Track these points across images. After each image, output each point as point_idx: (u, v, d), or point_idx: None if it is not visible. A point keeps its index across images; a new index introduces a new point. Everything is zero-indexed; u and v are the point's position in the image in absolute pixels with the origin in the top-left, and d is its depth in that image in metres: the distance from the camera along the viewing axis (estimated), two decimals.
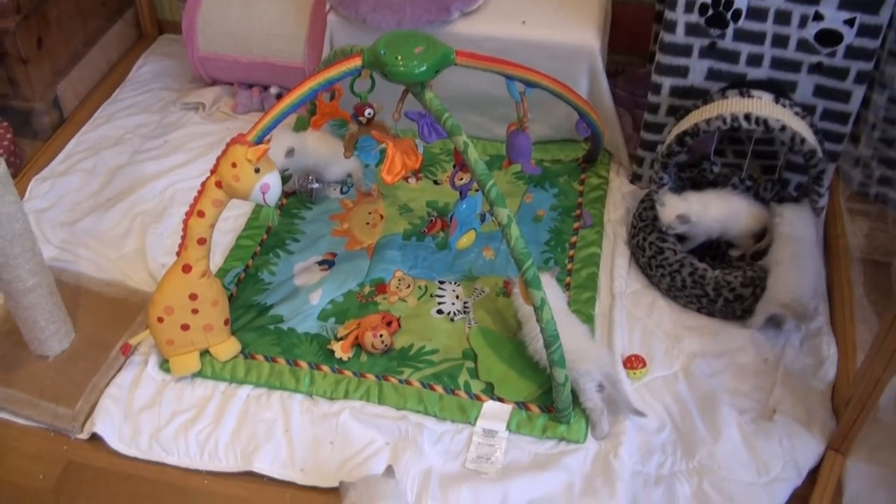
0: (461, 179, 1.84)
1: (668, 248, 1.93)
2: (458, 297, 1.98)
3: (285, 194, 2.24)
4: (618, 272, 2.02)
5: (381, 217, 2.20)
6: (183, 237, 1.71)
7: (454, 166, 1.85)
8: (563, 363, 1.62)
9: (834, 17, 1.84)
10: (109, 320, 1.91)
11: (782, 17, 1.88)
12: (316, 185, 2.23)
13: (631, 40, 2.54)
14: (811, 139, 1.84)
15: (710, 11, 1.91)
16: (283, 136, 2.09)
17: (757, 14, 1.89)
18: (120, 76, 2.78)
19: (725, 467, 1.62)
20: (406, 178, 2.27)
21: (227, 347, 1.82)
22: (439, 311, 1.94)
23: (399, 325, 1.89)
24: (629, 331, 1.90)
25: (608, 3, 2.37)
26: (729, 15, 1.90)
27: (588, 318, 1.89)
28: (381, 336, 1.82)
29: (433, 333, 1.89)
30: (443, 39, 1.79)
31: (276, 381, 1.79)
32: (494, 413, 1.72)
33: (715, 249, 2.04)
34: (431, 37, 1.78)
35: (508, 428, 1.70)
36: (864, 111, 2.05)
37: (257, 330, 1.90)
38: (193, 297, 1.73)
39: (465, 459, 1.65)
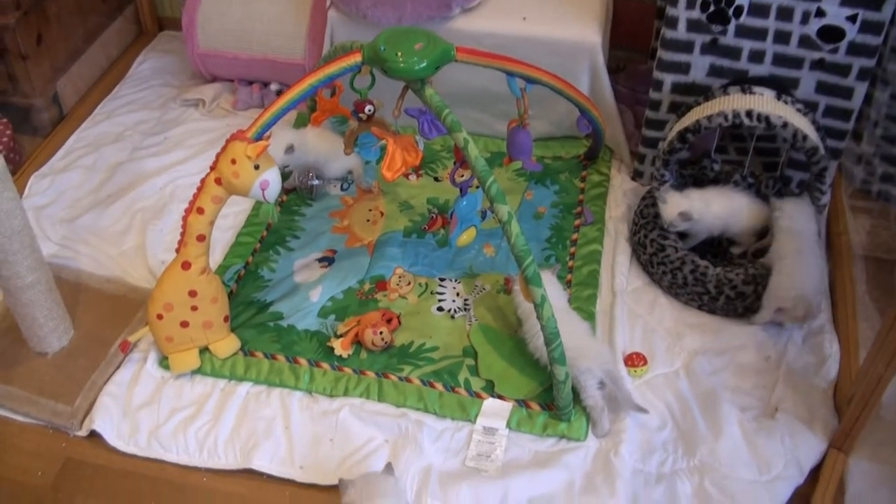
0: (462, 176, 1.84)
1: (669, 245, 1.93)
2: (458, 295, 1.97)
3: (285, 191, 2.24)
4: (619, 269, 2.02)
5: (382, 214, 2.19)
6: (182, 234, 1.71)
7: (455, 163, 1.85)
8: (563, 360, 1.61)
9: (836, 14, 1.83)
10: (109, 317, 1.91)
11: (784, 14, 1.87)
12: (316, 182, 2.23)
13: (632, 37, 2.53)
14: (813, 136, 1.83)
15: (712, 8, 1.90)
16: (283, 133, 2.08)
17: (759, 10, 1.89)
18: (120, 73, 2.78)
19: (727, 465, 1.62)
20: (406, 175, 2.24)
21: (226, 344, 1.82)
22: (440, 309, 1.94)
23: (399, 323, 1.89)
24: (630, 328, 1.89)
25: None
26: (731, 11, 1.90)
27: (589, 316, 1.88)
28: (381, 333, 1.82)
29: (433, 331, 1.88)
30: (443, 36, 1.79)
31: (276, 379, 1.79)
32: (495, 410, 1.72)
33: (716, 247, 2.03)
34: (432, 33, 1.78)
35: (509, 425, 1.69)
36: (866, 108, 2.04)
37: (257, 327, 1.89)
38: (193, 293, 1.73)
39: (465, 457, 1.65)
